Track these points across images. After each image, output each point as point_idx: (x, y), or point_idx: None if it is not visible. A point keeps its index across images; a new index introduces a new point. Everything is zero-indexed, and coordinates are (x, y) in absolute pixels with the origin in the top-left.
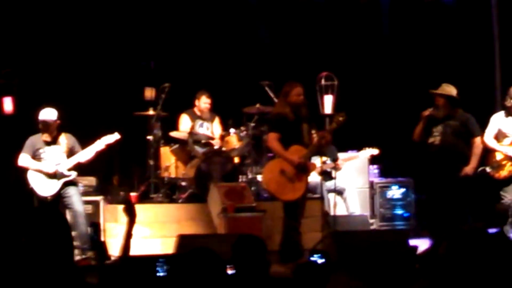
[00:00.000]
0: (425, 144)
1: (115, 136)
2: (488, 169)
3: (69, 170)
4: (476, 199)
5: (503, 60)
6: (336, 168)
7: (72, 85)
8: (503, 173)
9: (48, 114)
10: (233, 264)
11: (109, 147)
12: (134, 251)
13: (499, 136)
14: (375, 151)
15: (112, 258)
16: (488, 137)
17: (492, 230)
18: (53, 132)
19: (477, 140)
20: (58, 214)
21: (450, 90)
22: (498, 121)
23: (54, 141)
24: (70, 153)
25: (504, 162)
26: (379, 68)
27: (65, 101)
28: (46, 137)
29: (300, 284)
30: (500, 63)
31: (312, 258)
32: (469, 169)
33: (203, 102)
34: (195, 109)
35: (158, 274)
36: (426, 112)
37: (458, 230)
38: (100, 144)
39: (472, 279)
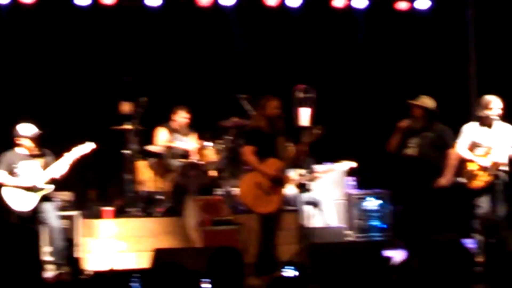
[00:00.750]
0: (400, 156)
1: (90, 146)
2: (462, 180)
3: (46, 183)
4: (451, 210)
5: (478, 71)
6: (313, 178)
7: (48, 99)
8: (477, 183)
9: (33, 128)
10: (208, 275)
11: (86, 162)
12: (110, 265)
13: (472, 146)
14: (353, 164)
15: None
16: (462, 147)
17: (466, 241)
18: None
19: (452, 152)
20: (28, 231)
21: (429, 102)
22: (471, 131)
23: (39, 155)
24: (46, 166)
25: (477, 172)
26: (355, 80)
27: (41, 116)
28: (34, 150)
29: None
30: (476, 73)
31: (285, 271)
32: (443, 180)
33: (182, 117)
34: (172, 123)
35: None
36: (403, 123)
37: (432, 241)
38: (73, 155)
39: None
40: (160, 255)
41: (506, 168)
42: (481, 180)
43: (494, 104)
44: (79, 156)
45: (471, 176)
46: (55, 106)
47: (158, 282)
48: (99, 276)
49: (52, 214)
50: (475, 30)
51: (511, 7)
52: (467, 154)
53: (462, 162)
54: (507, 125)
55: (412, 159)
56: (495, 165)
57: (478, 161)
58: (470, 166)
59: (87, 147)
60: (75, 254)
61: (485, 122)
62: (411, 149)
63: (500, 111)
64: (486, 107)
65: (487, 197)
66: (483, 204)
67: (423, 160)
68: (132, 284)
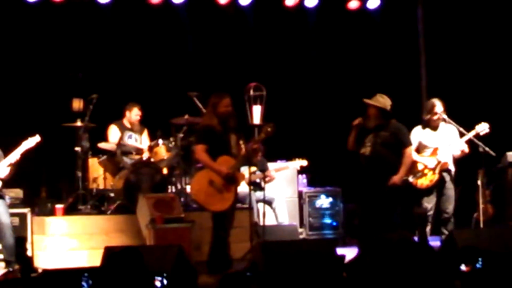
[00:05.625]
0: (357, 154)
1: (35, 139)
2: (410, 179)
3: None
4: (405, 208)
5: (429, 69)
6: (269, 179)
7: None
8: (425, 182)
9: None
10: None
11: (37, 159)
12: (60, 263)
13: (420, 148)
14: (304, 162)
15: (39, 271)
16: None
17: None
18: None
19: (408, 150)
20: None
21: (384, 101)
22: (417, 134)
23: None
24: None
25: (425, 172)
26: (307, 78)
27: None
28: None
29: None
30: (426, 71)
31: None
32: (396, 178)
33: (135, 114)
34: (124, 120)
35: None
36: (356, 121)
37: (384, 239)
38: (20, 150)
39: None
40: (110, 253)
41: (452, 168)
42: (428, 179)
43: (438, 108)
44: (24, 150)
45: (420, 175)
46: (4, 103)
47: (108, 281)
48: (48, 274)
49: (2, 211)
50: (424, 28)
51: (461, 6)
52: (414, 156)
53: (413, 162)
54: (451, 126)
55: (366, 158)
56: (441, 165)
57: (424, 161)
58: (420, 166)
59: (32, 140)
60: (26, 252)
61: (430, 124)
62: (366, 148)
63: (443, 114)
64: (430, 110)
65: (433, 196)
66: (429, 203)
67: (376, 159)
68: (83, 283)
